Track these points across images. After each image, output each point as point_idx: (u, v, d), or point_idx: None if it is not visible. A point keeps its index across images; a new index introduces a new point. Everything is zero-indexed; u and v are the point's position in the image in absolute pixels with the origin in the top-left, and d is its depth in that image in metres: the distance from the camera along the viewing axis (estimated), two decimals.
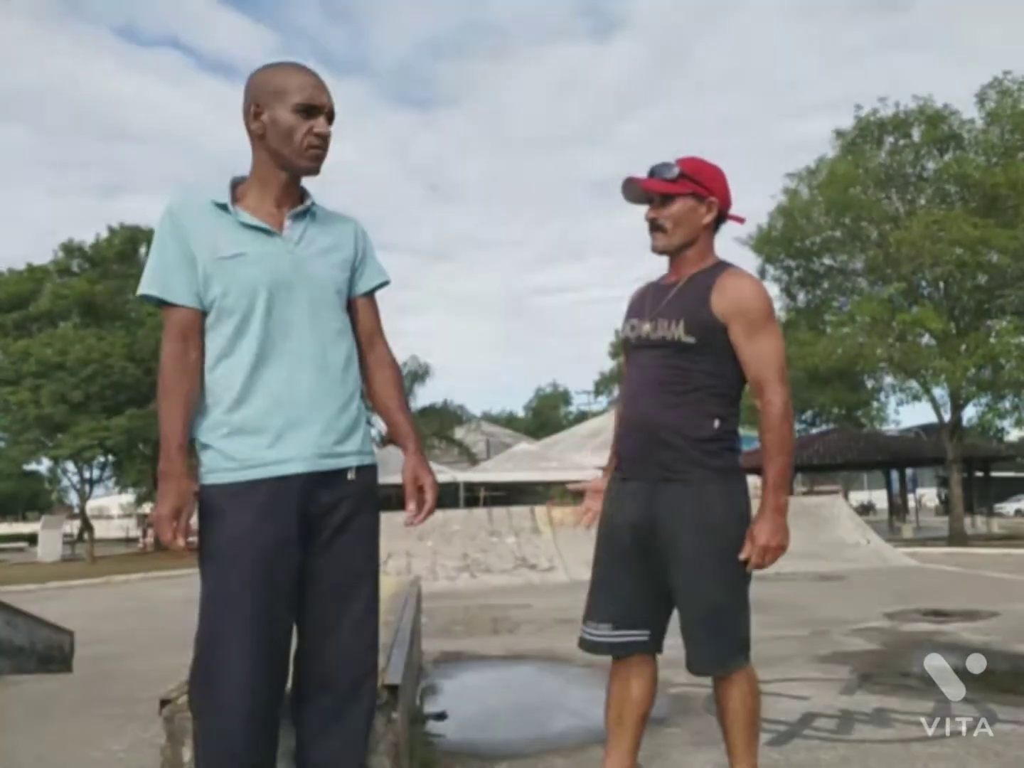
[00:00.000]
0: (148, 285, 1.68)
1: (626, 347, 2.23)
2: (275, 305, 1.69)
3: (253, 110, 1.71)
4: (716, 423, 2.06)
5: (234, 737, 1.57)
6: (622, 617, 2.12)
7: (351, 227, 1.88)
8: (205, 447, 1.68)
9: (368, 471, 1.79)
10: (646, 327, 2.13)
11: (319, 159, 1.75)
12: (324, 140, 1.73)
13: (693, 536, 2.01)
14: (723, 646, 2.05)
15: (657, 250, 2.17)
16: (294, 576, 1.66)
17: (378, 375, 1.87)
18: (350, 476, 1.74)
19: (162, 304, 1.69)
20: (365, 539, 1.76)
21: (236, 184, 1.77)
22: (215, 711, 1.58)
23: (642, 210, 2.18)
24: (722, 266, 2.13)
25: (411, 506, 1.84)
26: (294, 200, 1.78)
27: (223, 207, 1.72)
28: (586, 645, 2.18)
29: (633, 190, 2.15)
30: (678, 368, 2.07)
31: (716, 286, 2.06)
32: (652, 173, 2.13)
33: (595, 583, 2.20)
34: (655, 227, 2.14)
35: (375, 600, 1.78)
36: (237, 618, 1.59)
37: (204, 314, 1.69)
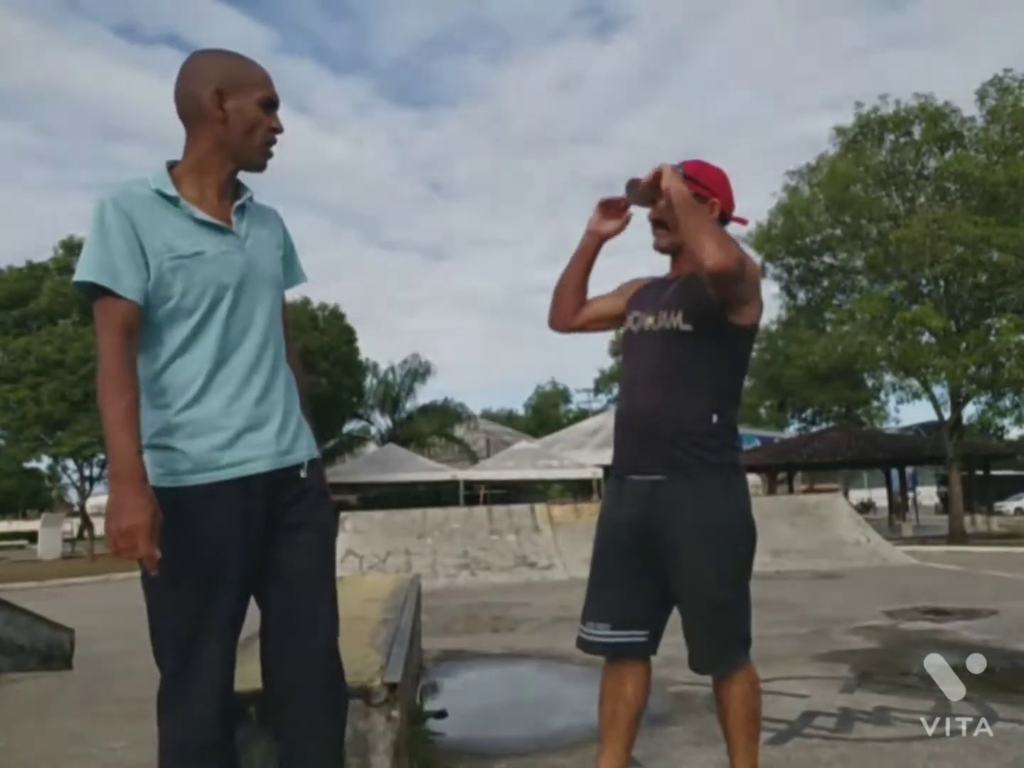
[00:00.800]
0: (94, 272, 1.54)
1: (627, 338, 2.23)
2: (237, 306, 1.64)
3: (215, 96, 1.63)
4: (715, 418, 2.06)
5: (206, 735, 1.58)
6: (620, 617, 2.11)
7: (278, 219, 1.84)
8: (161, 448, 1.60)
9: (316, 465, 1.76)
10: (649, 320, 2.15)
11: (271, 156, 1.73)
12: (277, 136, 1.72)
13: (694, 533, 2.00)
14: (726, 644, 2.05)
15: (660, 248, 2.19)
16: (258, 574, 1.65)
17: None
18: (302, 473, 1.71)
19: (101, 294, 1.55)
20: (325, 536, 1.75)
21: (170, 168, 1.69)
22: (191, 711, 1.57)
23: (643, 210, 2.19)
24: None
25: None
26: (232, 192, 1.72)
27: (170, 199, 1.63)
28: (584, 645, 2.18)
29: (637, 191, 2.16)
30: (677, 360, 2.07)
31: None
32: None
33: (593, 583, 2.20)
34: (658, 225, 2.16)
35: (334, 600, 1.75)
36: (215, 620, 1.57)
37: (145, 309, 1.59)
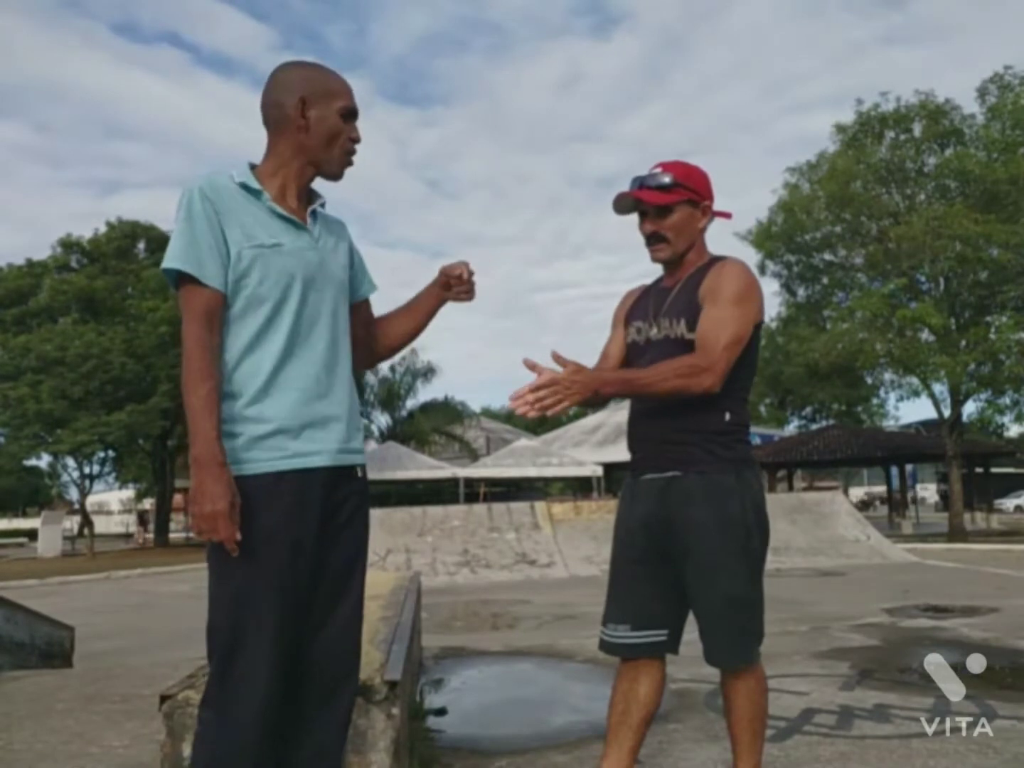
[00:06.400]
0: (180, 260, 1.60)
1: (631, 349, 2.22)
2: (306, 299, 1.70)
3: (300, 104, 1.70)
4: (727, 416, 2.06)
5: (250, 732, 1.56)
6: (640, 617, 2.10)
7: (345, 229, 1.91)
8: (228, 436, 1.62)
9: (364, 470, 1.82)
10: (652, 330, 2.15)
11: (350, 164, 1.80)
12: (356, 146, 1.79)
13: (708, 528, 2.00)
14: (741, 638, 2.05)
15: (660, 261, 2.18)
16: (311, 571, 1.66)
17: (386, 318, 1.96)
18: (359, 473, 1.76)
19: (186, 282, 1.61)
20: (362, 539, 1.78)
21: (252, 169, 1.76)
22: (236, 708, 1.55)
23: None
24: (716, 260, 2.15)
25: (458, 271, 1.93)
26: (309, 197, 1.79)
27: (253, 192, 1.69)
28: (606, 647, 2.16)
29: (627, 203, 2.14)
30: None
31: (706, 277, 2.09)
32: (642, 184, 2.11)
33: (612, 584, 2.19)
34: (658, 239, 2.13)
35: (362, 598, 1.79)
36: (266, 615, 1.57)
37: (225, 300, 1.65)
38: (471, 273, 1.94)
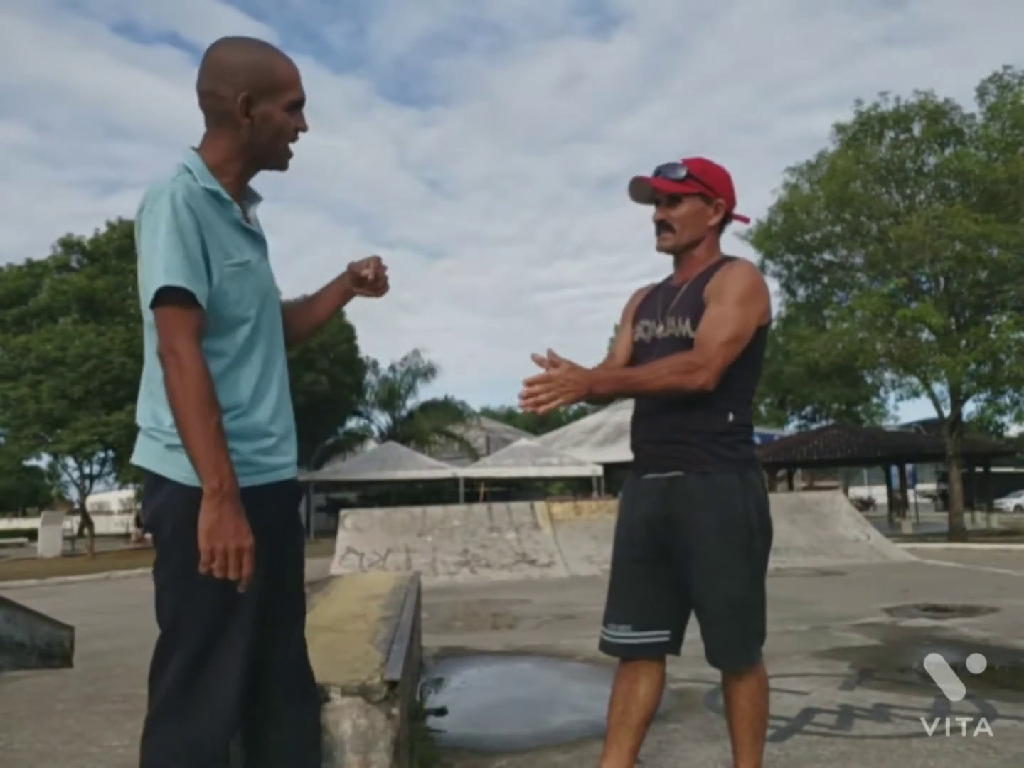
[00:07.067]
0: (180, 277, 1.47)
1: (638, 347, 2.23)
2: (272, 316, 1.69)
3: (245, 104, 1.57)
4: (730, 416, 2.07)
5: (219, 742, 1.54)
6: (642, 618, 2.10)
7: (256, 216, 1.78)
8: None
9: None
10: (659, 328, 2.15)
11: (291, 155, 1.71)
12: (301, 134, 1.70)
13: (711, 528, 2.00)
14: (744, 638, 2.05)
15: (664, 250, 2.18)
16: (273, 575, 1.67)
17: (293, 309, 1.89)
18: (297, 477, 1.79)
19: (178, 299, 1.48)
20: (302, 537, 1.83)
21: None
22: (204, 719, 1.53)
23: (644, 208, 2.19)
24: (725, 260, 2.16)
25: (364, 271, 1.86)
26: (247, 193, 1.71)
27: (223, 203, 1.59)
28: (606, 648, 2.16)
29: (641, 189, 2.16)
30: None
31: (713, 276, 2.10)
32: (658, 173, 2.14)
33: (613, 584, 2.19)
34: (664, 227, 2.15)
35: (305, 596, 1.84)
36: (245, 624, 1.57)
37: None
38: (383, 268, 1.89)
